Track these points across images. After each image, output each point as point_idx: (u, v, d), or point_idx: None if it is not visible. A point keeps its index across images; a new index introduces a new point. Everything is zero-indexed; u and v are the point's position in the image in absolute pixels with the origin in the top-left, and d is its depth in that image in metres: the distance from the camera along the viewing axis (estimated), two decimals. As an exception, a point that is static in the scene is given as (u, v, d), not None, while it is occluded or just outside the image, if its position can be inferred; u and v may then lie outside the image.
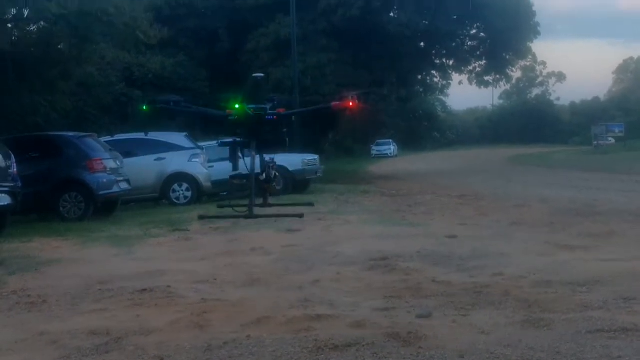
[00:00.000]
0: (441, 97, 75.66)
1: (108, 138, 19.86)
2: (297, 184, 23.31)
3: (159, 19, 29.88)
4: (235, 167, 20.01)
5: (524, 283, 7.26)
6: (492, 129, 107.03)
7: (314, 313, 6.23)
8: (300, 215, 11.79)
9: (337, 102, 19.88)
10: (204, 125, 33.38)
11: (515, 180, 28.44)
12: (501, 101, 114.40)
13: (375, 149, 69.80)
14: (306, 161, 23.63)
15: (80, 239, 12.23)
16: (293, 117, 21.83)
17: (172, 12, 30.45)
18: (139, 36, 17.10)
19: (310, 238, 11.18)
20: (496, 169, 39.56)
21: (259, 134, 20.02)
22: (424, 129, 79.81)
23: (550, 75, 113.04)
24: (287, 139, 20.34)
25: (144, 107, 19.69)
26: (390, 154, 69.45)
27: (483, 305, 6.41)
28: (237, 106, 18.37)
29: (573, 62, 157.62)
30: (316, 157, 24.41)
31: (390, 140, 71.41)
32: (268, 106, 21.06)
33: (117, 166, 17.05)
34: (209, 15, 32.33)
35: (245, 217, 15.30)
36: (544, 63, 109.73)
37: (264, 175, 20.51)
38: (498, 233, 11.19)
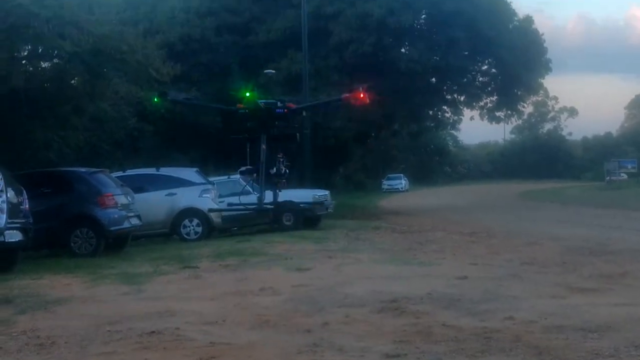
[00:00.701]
0: (452, 131, 75.69)
1: (120, 173, 19.98)
2: (307, 220, 23.26)
3: (172, 54, 30.22)
4: (244, 163, 21.21)
5: (535, 328, 7.19)
6: (503, 164, 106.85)
7: (322, 359, 6.18)
8: None
9: (347, 94, 20.64)
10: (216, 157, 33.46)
11: (526, 216, 28.32)
12: (513, 136, 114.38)
13: (386, 184, 69.73)
14: (317, 197, 23.59)
15: (91, 276, 12.23)
16: (304, 112, 22.15)
17: (185, 47, 30.75)
18: (151, 73, 17.27)
19: (321, 277, 11.12)
20: (507, 204, 39.42)
21: (269, 128, 19.63)
22: (435, 163, 79.83)
23: (562, 110, 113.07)
24: (298, 135, 21.14)
25: (155, 99, 20.63)
26: (402, 188, 69.33)
27: (493, 351, 6.35)
28: (247, 94, 19.36)
29: (585, 96, 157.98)
30: (327, 192, 24.38)
31: (402, 175, 71.35)
32: (278, 101, 20.07)
33: (128, 202, 17.10)
34: (221, 51, 32.59)
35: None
36: (555, 98, 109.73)
37: (275, 169, 20.39)
38: (509, 273, 11.11)
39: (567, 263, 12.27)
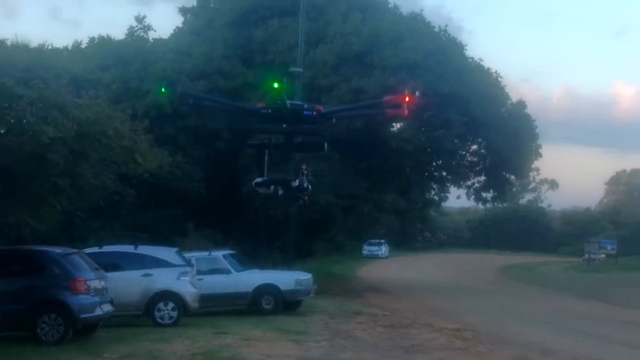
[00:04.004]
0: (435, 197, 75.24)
1: (96, 249, 19.22)
2: (287, 304, 22.51)
3: (160, 116, 29.68)
4: (261, 173, 17.28)
5: None
6: (483, 232, 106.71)
7: None
8: None
9: (390, 97, 15.77)
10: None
11: (509, 307, 27.62)
12: (493, 204, 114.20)
13: (366, 249, 69.04)
14: (299, 280, 22.86)
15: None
16: (334, 118, 17.82)
17: (174, 110, 30.09)
18: (137, 159, 16.55)
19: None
20: (488, 288, 38.75)
21: (295, 133, 15.92)
22: (416, 229, 79.17)
23: (543, 182, 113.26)
24: (326, 144, 16.01)
25: (163, 90, 16.29)
26: (382, 255, 68.67)
27: None
28: (275, 85, 14.63)
29: (566, 168, 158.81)
30: (309, 276, 23.62)
31: (382, 241, 70.65)
32: (305, 104, 16.33)
33: (101, 287, 16.25)
34: (211, 115, 32.00)
35: None
36: (537, 169, 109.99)
37: (297, 182, 17.41)
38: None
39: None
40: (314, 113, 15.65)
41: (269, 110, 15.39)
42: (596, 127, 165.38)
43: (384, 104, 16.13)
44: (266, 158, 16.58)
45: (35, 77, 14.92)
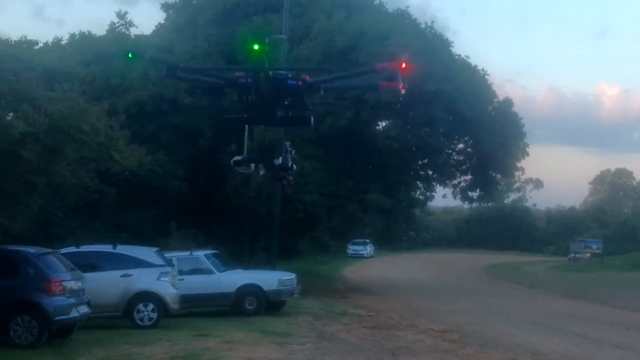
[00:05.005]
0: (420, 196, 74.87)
1: (73, 249, 18.69)
2: (271, 305, 22.03)
3: (141, 113, 29.12)
4: (240, 151, 15.43)
5: None
6: (468, 232, 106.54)
7: None
8: None
9: (384, 64, 12.92)
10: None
11: (497, 307, 27.22)
12: (478, 204, 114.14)
13: (351, 248, 68.53)
14: (282, 280, 22.38)
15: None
16: (322, 89, 14.48)
17: (155, 107, 29.58)
18: (113, 156, 15.97)
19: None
20: (474, 288, 38.37)
21: (278, 105, 13.64)
22: (401, 228, 78.73)
23: (528, 181, 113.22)
24: (312, 118, 13.63)
25: (130, 55, 13.78)
26: (366, 254, 68.22)
27: None
28: (255, 47, 12.52)
29: (551, 168, 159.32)
30: (293, 276, 23.13)
31: (367, 240, 70.18)
32: (289, 73, 13.86)
33: (78, 288, 15.69)
34: (193, 113, 31.46)
35: None
36: (522, 168, 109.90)
37: (280, 159, 15.43)
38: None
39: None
40: (300, 83, 13.83)
41: (249, 80, 13.37)
42: (580, 126, 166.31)
43: (377, 72, 13.87)
44: (246, 134, 15.31)
45: (6, 69, 14.34)
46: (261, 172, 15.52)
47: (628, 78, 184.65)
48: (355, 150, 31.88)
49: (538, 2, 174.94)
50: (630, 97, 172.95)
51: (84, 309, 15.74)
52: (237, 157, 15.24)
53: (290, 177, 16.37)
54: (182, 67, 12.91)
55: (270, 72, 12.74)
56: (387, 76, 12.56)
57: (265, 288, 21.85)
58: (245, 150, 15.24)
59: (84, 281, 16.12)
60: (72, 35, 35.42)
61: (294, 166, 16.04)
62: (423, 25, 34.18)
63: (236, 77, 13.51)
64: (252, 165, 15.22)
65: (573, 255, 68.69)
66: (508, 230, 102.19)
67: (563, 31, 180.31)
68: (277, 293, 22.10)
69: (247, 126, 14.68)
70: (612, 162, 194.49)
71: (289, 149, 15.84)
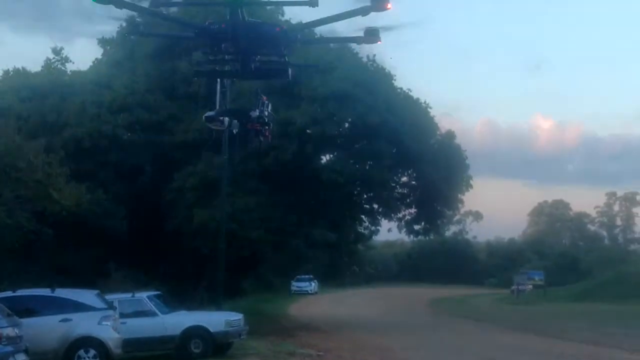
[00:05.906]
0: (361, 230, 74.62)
1: (9, 293, 17.71)
2: (218, 347, 21.21)
3: (79, 151, 28.14)
4: (212, 106, 14.43)
5: None
6: (410, 265, 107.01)
7: None
8: None
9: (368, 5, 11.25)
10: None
11: (448, 345, 26.65)
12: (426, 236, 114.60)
13: (295, 285, 67.91)
14: (230, 321, 21.58)
15: None
16: (298, 40, 13.58)
17: (93, 144, 28.65)
18: (52, 194, 15.15)
19: None
20: (423, 322, 38.08)
21: (252, 54, 12.46)
22: (344, 264, 78.36)
23: (468, 213, 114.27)
24: (290, 70, 12.66)
25: None
26: (311, 291, 67.74)
27: None
28: None
29: (488, 200, 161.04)
30: (240, 316, 22.36)
31: (310, 276, 69.63)
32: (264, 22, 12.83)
33: (15, 335, 14.71)
34: (132, 150, 30.56)
35: None
36: (461, 201, 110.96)
37: (257, 111, 14.35)
38: None
39: None
40: (277, 29, 12.45)
41: (222, 25, 12.25)
42: (517, 159, 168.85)
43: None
44: (218, 87, 14.26)
45: None
46: (235, 130, 14.57)
47: (562, 111, 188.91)
48: (301, 185, 31.36)
49: (471, 38, 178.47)
50: (565, 130, 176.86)
51: (21, 357, 14.77)
52: (210, 112, 14.52)
53: (268, 132, 15.11)
54: (146, 10, 11.67)
55: (247, 17, 11.72)
56: None
57: (212, 329, 21.00)
58: (217, 105, 14.35)
59: (22, 327, 15.18)
60: (6, 72, 34.34)
61: (272, 119, 15.07)
62: (365, 59, 34.02)
63: (207, 24, 12.45)
64: (226, 120, 14.45)
65: (516, 287, 69.17)
66: (450, 263, 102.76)
67: (497, 65, 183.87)
68: (224, 334, 21.27)
69: (218, 80, 13.72)
70: (549, 194, 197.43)
71: (266, 102, 14.92)
